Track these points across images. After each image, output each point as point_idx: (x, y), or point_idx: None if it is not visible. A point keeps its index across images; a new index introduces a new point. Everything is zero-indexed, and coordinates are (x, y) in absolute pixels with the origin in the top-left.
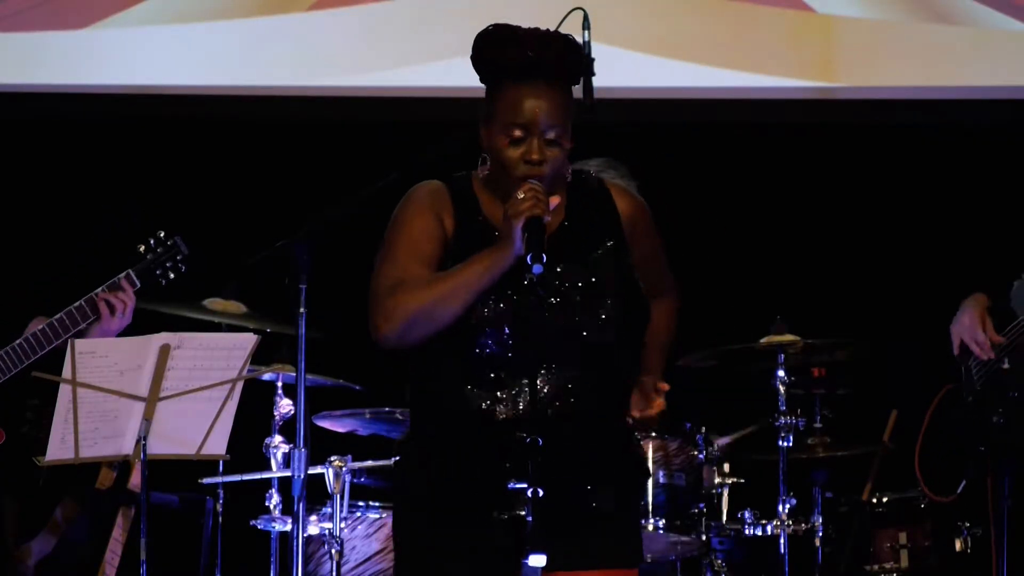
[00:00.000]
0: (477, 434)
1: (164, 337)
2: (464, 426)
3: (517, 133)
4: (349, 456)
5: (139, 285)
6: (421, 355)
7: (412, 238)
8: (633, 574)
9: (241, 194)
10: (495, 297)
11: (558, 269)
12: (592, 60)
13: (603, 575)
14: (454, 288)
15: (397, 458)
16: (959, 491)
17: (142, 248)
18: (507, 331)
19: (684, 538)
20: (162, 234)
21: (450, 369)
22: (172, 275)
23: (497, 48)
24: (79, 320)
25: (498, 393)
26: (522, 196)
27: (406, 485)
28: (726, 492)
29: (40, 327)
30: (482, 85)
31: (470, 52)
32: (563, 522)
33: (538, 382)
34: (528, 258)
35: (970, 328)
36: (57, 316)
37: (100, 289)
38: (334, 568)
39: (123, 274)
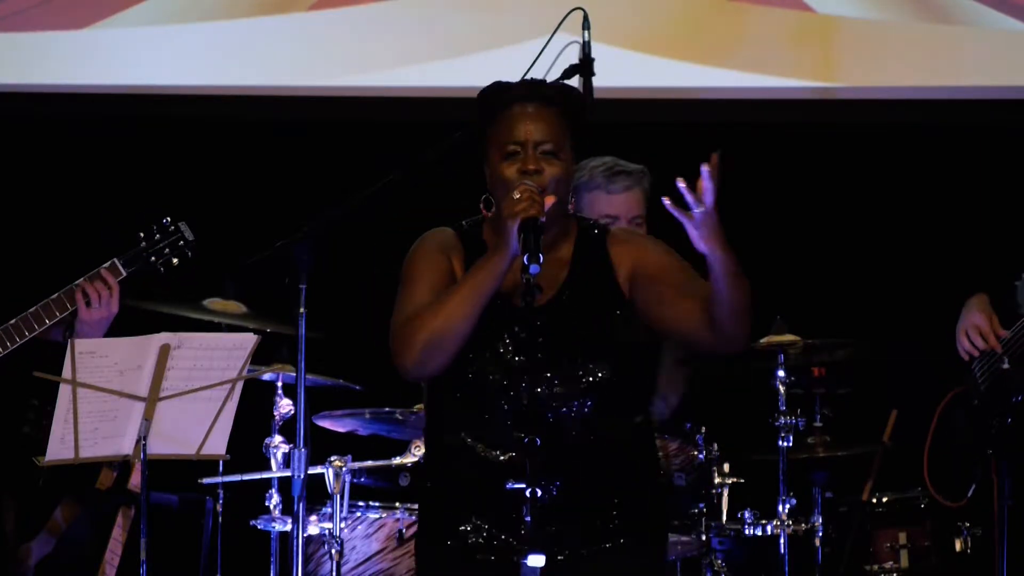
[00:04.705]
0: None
1: (164, 337)
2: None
3: (511, 148)
4: (349, 456)
5: (125, 273)
6: (432, 397)
7: (424, 275)
8: None
9: (241, 194)
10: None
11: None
12: (592, 60)
13: None
14: (460, 300)
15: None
16: (969, 495)
17: (141, 235)
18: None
19: (684, 538)
20: (166, 220)
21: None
22: (175, 260)
23: (493, 95)
24: (56, 311)
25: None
26: (517, 196)
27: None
28: (726, 492)
29: (13, 320)
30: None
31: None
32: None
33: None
34: (525, 259)
35: (977, 323)
36: (32, 308)
37: (82, 279)
38: (334, 568)
39: (107, 263)
